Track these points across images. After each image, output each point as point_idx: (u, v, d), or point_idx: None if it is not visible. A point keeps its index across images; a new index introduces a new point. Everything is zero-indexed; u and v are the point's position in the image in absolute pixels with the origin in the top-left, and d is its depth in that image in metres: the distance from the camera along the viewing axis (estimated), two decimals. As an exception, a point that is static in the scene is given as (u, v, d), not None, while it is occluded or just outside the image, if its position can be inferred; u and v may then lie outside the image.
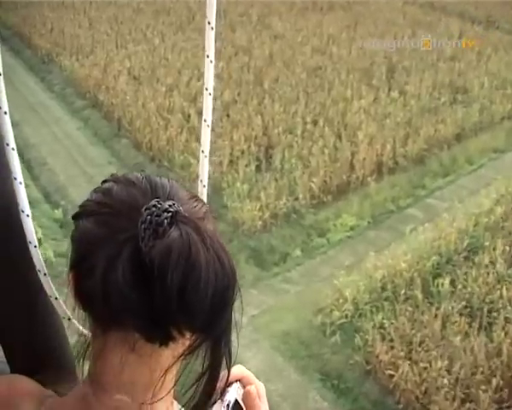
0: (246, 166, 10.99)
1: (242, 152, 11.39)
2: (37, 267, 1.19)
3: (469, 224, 9.70)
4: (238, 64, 14.65)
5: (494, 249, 9.04)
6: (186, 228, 0.86)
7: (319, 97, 13.12)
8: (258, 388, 1.06)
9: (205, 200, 1.18)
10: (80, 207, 0.96)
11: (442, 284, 8.35)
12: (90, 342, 0.99)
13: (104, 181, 0.98)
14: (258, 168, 11.14)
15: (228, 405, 1.01)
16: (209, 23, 1.24)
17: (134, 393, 0.95)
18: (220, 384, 1.00)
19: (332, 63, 15.13)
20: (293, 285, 9.22)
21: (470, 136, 13.00)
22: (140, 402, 0.95)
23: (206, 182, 1.30)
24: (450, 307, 7.98)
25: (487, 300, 8.13)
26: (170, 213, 0.86)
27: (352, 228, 10.39)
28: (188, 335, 0.90)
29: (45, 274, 1.20)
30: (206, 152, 1.30)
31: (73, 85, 15.06)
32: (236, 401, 1.03)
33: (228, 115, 12.29)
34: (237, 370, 1.06)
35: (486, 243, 9.21)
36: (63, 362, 1.32)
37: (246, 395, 1.04)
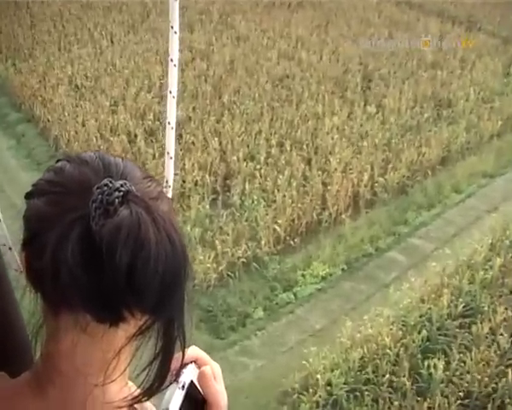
0: (199, 202, 9.28)
1: (196, 183, 9.69)
2: (3, 242, 1.21)
3: (463, 278, 8.15)
4: (195, 72, 12.87)
5: (494, 314, 7.50)
6: (136, 208, 0.85)
7: (286, 113, 11.44)
8: (213, 368, 1.06)
9: None
10: (32, 186, 0.95)
11: (434, 366, 6.78)
12: (41, 324, 0.96)
13: (58, 160, 0.98)
14: (213, 204, 9.45)
15: (183, 386, 1.00)
16: (172, 27, 1.34)
17: (87, 374, 0.95)
18: (175, 365, 1.00)
19: (301, 71, 13.45)
20: (252, 359, 7.59)
21: (457, 159, 11.48)
22: (93, 384, 0.94)
23: (171, 182, 1.35)
24: (444, 401, 6.41)
25: (490, 388, 6.58)
26: (121, 193, 0.85)
27: (323, 278, 8.80)
28: (139, 316, 0.89)
29: (10, 248, 1.22)
30: (172, 153, 1.39)
31: (8, 94, 13.15)
32: (192, 381, 1.02)
33: (180, 136, 10.52)
34: (192, 351, 1.06)
35: (484, 306, 7.67)
36: (18, 343, 1.29)
37: (201, 376, 1.03)
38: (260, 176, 9.82)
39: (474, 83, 13.78)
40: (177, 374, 1.01)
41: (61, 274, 0.84)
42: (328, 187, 9.74)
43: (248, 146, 10.52)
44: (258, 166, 10.00)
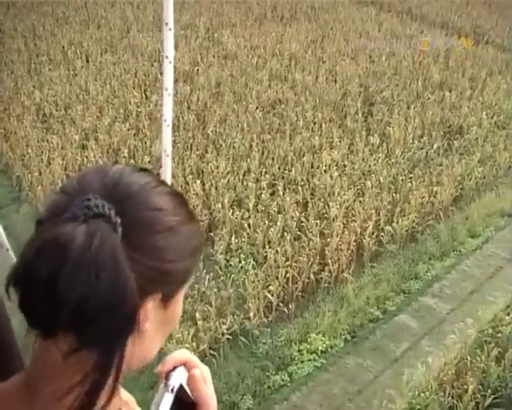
0: (177, 260, 7.89)
1: (174, 237, 8.29)
2: None
3: (489, 357, 6.84)
4: (176, 98, 11.50)
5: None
6: (81, 229, 0.84)
7: (278, 147, 10.10)
8: (202, 371, 1.05)
9: None
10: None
11: None
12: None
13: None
14: (194, 263, 8.05)
15: (172, 389, 0.99)
16: (167, 24, 1.35)
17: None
18: (165, 368, 1.01)
19: (295, 94, 12.11)
20: None
21: (471, 197, 10.18)
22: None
23: (168, 182, 1.28)
24: None
25: None
26: (91, 212, 0.85)
27: (323, 353, 7.47)
28: (65, 334, 0.86)
29: (8, 250, 1.29)
30: (168, 151, 1.37)
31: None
32: (181, 385, 1.01)
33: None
34: (181, 354, 1.05)
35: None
36: (6, 346, 1.30)
37: (190, 379, 1.03)
38: (249, 226, 8.48)
39: (486, 105, 12.49)
40: (167, 377, 1.00)
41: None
42: (328, 239, 8.41)
43: (235, 189, 9.17)
44: (246, 215, 8.66)
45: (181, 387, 1.01)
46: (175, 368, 1.03)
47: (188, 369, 1.05)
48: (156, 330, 0.97)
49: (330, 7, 17.88)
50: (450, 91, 12.70)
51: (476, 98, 12.67)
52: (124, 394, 1.04)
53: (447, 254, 9.24)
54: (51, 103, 11.44)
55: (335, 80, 12.85)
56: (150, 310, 0.92)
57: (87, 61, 13.26)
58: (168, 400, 0.98)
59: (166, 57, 1.38)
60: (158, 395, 0.98)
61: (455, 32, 16.50)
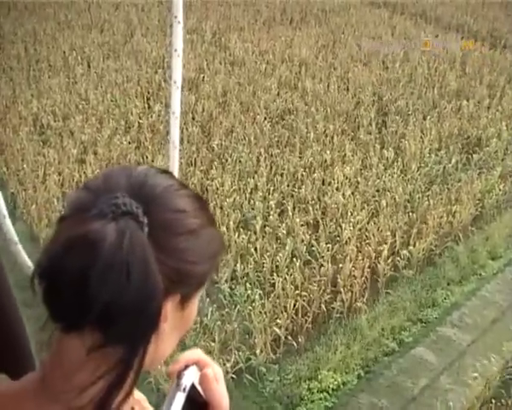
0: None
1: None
2: (8, 237, 1.34)
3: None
4: (181, 108, 10.90)
5: None
6: (111, 227, 0.84)
7: (287, 162, 9.55)
8: (215, 371, 1.05)
9: None
10: None
11: None
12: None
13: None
14: (197, 292, 7.51)
15: (184, 388, 0.99)
16: (176, 17, 1.36)
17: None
18: (177, 367, 1.01)
19: (305, 104, 11.54)
20: None
21: (492, 215, 9.59)
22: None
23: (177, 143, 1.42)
24: None
25: None
26: (119, 210, 0.85)
27: (334, 391, 6.90)
28: (91, 330, 0.86)
29: (16, 243, 1.34)
30: (176, 143, 1.37)
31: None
32: (193, 384, 1.01)
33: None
34: (194, 353, 1.05)
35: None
36: (18, 345, 1.31)
37: (203, 379, 1.02)
38: (256, 250, 7.92)
39: (506, 115, 11.88)
40: (179, 376, 1.00)
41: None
42: (340, 265, 7.85)
43: (242, 208, 8.61)
44: (253, 238, 8.11)
45: (193, 386, 1.01)
46: (187, 367, 1.02)
47: (200, 368, 1.04)
48: (172, 331, 0.97)
49: (342, 9, 17.28)
50: (467, 100, 12.09)
51: (495, 107, 12.06)
52: (136, 392, 1.04)
53: (467, 278, 8.67)
54: (49, 113, 10.93)
55: (347, 88, 12.27)
56: (169, 310, 0.92)
57: (88, 68, 12.74)
58: (180, 399, 0.98)
59: (175, 50, 1.42)
60: (170, 394, 0.98)
61: (471, 35, 15.83)
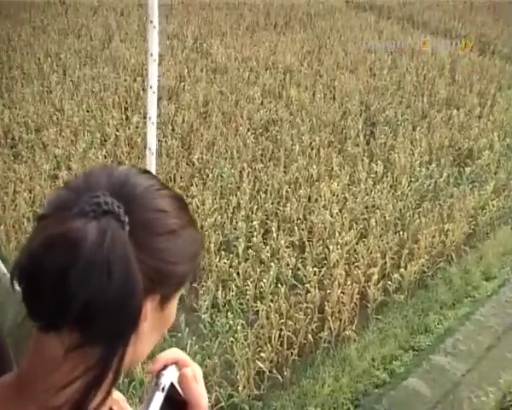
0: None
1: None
2: None
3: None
4: (160, 119, 10.41)
5: None
6: (92, 226, 0.84)
7: (272, 178, 9.07)
8: (194, 370, 1.06)
9: None
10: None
11: None
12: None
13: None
14: (174, 321, 7.00)
15: (163, 388, 1.00)
16: (151, 22, 1.33)
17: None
18: (156, 367, 1.02)
19: (290, 114, 11.08)
20: None
21: (485, 233, 9.19)
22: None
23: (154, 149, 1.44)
24: None
25: None
26: (100, 209, 0.86)
27: (323, 430, 6.43)
28: (69, 330, 0.86)
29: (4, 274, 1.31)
30: (153, 149, 1.37)
31: None
32: (172, 384, 1.02)
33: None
34: (172, 353, 1.07)
35: None
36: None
37: (182, 378, 1.04)
38: (238, 275, 7.44)
39: (497, 125, 11.50)
40: (158, 376, 1.01)
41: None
42: (328, 290, 7.38)
43: (223, 228, 8.12)
44: (235, 262, 7.62)
45: (172, 386, 1.01)
46: (166, 367, 1.02)
47: (179, 368, 1.04)
48: (151, 332, 0.98)
49: (327, 13, 16.84)
50: (457, 109, 11.69)
51: (486, 117, 11.68)
52: (115, 392, 1.03)
53: (460, 300, 8.26)
54: (21, 125, 10.37)
55: (334, 97, 11.82)
56: (149, 310, 0.92)
57: (64, 76, 12.17)
58: (159, 398, 0.97)
59: (151, 55, 1.41)
60: (149, 393, 0.98)
61: (459, 40, 15.45)
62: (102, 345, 0.85)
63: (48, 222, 0.87)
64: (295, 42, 14.26)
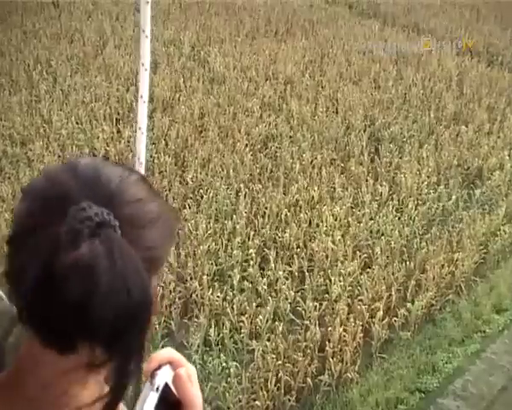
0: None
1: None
2: None
3: None
4: (153, 133, 9.88)
5: None
6: (99, 247, 0.83)
7: (270, 201, 8.51)
8: (188, 370, 1.06)
9: None
10: (24, 187, 0.96)
11: None
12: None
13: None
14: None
15: (157, 388, 1.00)
16: (144, 31, 1.32)
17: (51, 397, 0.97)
18: (150, 367, 1.02)
19: (290, 129, 10.54)
20: None
21: (496, 262, 8.63)
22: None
23: (143, 159, 1.39)
24: None
25: None
26: (93, 223, 0.84)
27: None
28: (91, 348, 0.88)
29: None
30: (142, 159, 1.39)
31: None
32: (166, 384, 1.02)
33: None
34: (167, 352, 1.07)
35: None
36: None
37: (176, 378, 1.04)
38: (232, 310, 6.87)
39: (508, 142, 10.97)
40: (152, 376, 1.00)
41: (20, 290, 0.86)
42: (329, 328, 6.82)
43: (217, 256, 7.56)
44: (229, 295, 7.06)
45: (166, 386, 1.01)
46: (160, 367, 1.02)
47: (174, 368, 1.04)
48: None
49: (330, 20, 16.27)
50: (466, 125, 11.15)
51: (496, 134, 11.13)
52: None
53: (470, 336, 7.71)
54: (6, 138, 9.80)
55: (336, 111, 11.27)
56: None
57: (54, 85, 11.60)
58: (153, 399, 0.98)
59: (142, 64, 1.38)
60: (143, 393, 0.98)
61: (467, 51, 14.90)
62: (125, 354, 0.85)
63: (33, 244, 0.84)
64: (297, 50, 13.70)
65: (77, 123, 10.19)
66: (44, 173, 0.95)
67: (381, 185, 9.12)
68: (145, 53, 1.38)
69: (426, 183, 9.35)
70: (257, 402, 5.97)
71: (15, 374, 0.95)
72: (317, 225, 8.23)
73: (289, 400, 6.24)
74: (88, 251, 0.82)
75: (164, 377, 1.01)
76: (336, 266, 7.60)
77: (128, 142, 9.73)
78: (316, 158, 9.59)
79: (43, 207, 0.88)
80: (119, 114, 10.59)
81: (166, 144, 9.71)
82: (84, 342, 0.86)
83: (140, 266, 0.87)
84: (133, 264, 0.85)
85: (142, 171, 1.28)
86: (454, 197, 9.16)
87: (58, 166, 0.95)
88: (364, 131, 10.58)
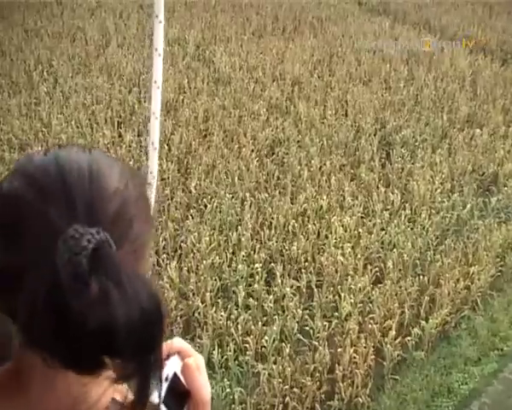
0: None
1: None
2: None
3: None
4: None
5: None
6: (105, 280, 0.81)
7: (277, 210, 8.15)
8: (196, 360, 1.09)
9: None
10: None
11: None
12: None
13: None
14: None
15: (166, 378, 1.01)
16: (157, 16, 1.29)
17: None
18: None
19: (298, 133, 10.16)
20: None
21: (513, 276, 8.22)
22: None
23: (155, 173, 1.38)
24: None
25: None
26: (89, 251, 0.81)
27: None
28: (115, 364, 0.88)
29: None
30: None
31: None
32: (175, 373, 1.04)
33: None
34: (176, 342, 1.10)
35: None
36: None
37: (184, 368, 1.07)
38: (237, 330, 6.52)
39: (524, 146, 10.53)
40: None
41: (21, 320, 0.84)
42: (339, 349, 6.46)
43: (221, 272, 7.22)
44: (234, 313, 6.71)
45: (175, 375, 1.03)
46: (169, 357, 1.04)
47: (182, 358, 1.07)
48: None
49: (339, 17, 15.84)
50: (480, 128, 10.72)
51: (510, 137, 10.70)
52: None
53: (486, 354, 7.33)
54: (4, 142, 9.48)
55: (346, 113, 10.88)
56: None
57: (54, 86, 11.26)
58: (162, 388, 0.98)
59: (156, 49, 1.35)
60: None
61: (480, 48, 14.45)
62: (146, 366, 0.86)
63: (35, 284, 0.82)
64: (305, 49, 13.29)
65: (77, 127, 9.85)
66: (19, 176, 0.90)
67: (392, 193, 8.73)
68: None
69: (439, 190, 8.96)
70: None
71: (18, 383, 0.94)
72: (326, 237, 7.87)
73: (297, 426, 5.89)
74: (98, 290, 0.80)
75: (173, 366, 1.03)
76: (346, 280, 7.24)
77: (129, 147, 9.40)
78: (325, 164, 9.21)
79: (24, 239, 0.85)
80: (120, 117, 10.25)
81: (169, 149, 9.37)
82: (105, 365, 0.85)
83: (144, 278, 0.86)
84: (139, 280, 0.84)
85: (156, 155, 1.22)
86: (469, 206, 8.75)
87: (19, 187, 0.89)
88: (375, 134, 10.19)
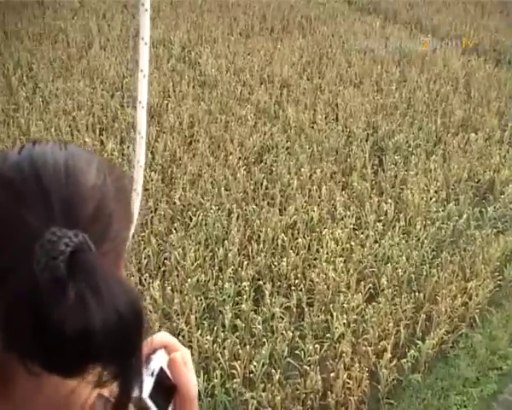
0: None
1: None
2: None
3: None
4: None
5: None
6: (82, 287, 0.76)
7: (265, 223, 7.77)
8: (183, 354, 1.07)
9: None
10: None
11: None
12: None
13: None
14: None
15: (153, 373, 0.99)
16: (143, 5, 1.23)
17: None
18: (145, 351, 0.94)
19: (287, 139, 9.78)
20: None
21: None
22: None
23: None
24: None
25: None
26: (66, 255, 0.76)
27: None
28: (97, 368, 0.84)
29: None
30: (143, 133, 1.26)
31: None
32: (161, 368, 1.01)
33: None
34: (162, 337, 1.07)
35: None
36: None
37: (171, 362, 1.04)
38: (223, 355, 6.14)
39: (520, 152, 10.21)
40: (147, 361, 0.99)
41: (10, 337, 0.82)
42: (332, 373, 6.11)
43: (207, 290, 6.83)
44: (220, 336, 6.33)
45: (161, 370, 1.00)
46: (155, 351, 1.01)
47: (168, 352, 1.04)
48: None
49: (328, 17, 15.47)
50: (475, 133, 10.40)
51: (507, 142, 10.39)
52: None
53: (485, 374, 7.01)
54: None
55: (337, 117, 10.52)
56: None
57: (34, 91, 10.80)
58: (148, 383, 0.96)
59: (142, 39, 1.20)
60: None
61: (473, 49, 14.13)
62: (127, 367, 0.83)
63: (13, 289, 0.79)
64: (293, 50, 12.91)
65: (57, 134, 9.42)
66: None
67: (385, 203, 8.38)
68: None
69: (434, 199, 8.62)
70: None
71: (3, 387, 0.90)
72: (317, 251, 7.51)
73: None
74: (74, 295, 0.76)
75: (159, 361, 1.00)
76: (339, 298, 6.88)
77: (112, 155, 8.99)
78: (315, 172, 8.84)
79: (2, 242, 0.82)
80: (102, 123, 9.83)
81: (153, 158, 8.96)
82: (87, 367, 0.81)
83: (122, 280, 0.82)
84: (117, 283, 0.79)
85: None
86: (465, 215, 8.41)
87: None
88: (367, 140, 9.83)
